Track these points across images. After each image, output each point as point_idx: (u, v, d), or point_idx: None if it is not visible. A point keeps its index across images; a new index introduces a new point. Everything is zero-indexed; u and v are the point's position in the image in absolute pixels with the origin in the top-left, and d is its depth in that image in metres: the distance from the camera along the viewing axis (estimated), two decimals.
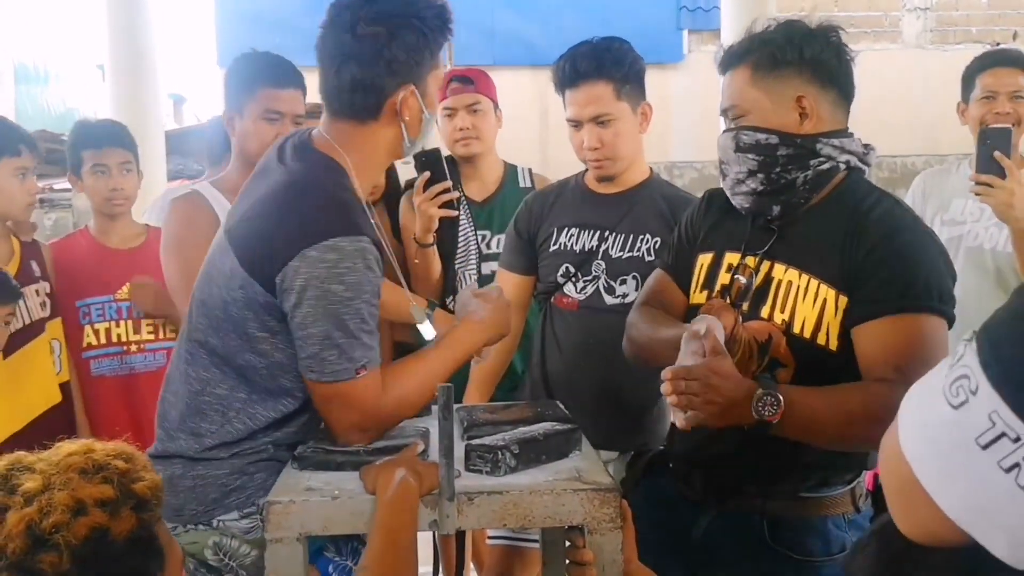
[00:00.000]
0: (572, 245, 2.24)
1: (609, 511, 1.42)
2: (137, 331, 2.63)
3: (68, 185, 3.20)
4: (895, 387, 1.45)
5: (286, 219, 1.53)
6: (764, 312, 1.63)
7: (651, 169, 2.29)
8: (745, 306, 1.65)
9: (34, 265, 2.48)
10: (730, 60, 1.68)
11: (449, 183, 2.49)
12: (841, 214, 1.60)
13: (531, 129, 9.71)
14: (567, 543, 1.50)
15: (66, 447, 1.08)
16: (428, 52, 1.60)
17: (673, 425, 1.89)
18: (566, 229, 2.25)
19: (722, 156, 1.67)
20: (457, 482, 1.42)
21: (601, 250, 2.21)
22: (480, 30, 9.00)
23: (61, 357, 2.53)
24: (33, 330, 2.40)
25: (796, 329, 1.59)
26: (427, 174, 2.48)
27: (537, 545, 2.26)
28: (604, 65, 2.12)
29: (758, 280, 1.64)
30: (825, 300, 1.57)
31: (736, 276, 1.67)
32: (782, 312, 1.61)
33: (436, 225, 2.50)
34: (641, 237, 2.18)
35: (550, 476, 1.49)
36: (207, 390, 1.60)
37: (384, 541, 1.36)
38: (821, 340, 1.57)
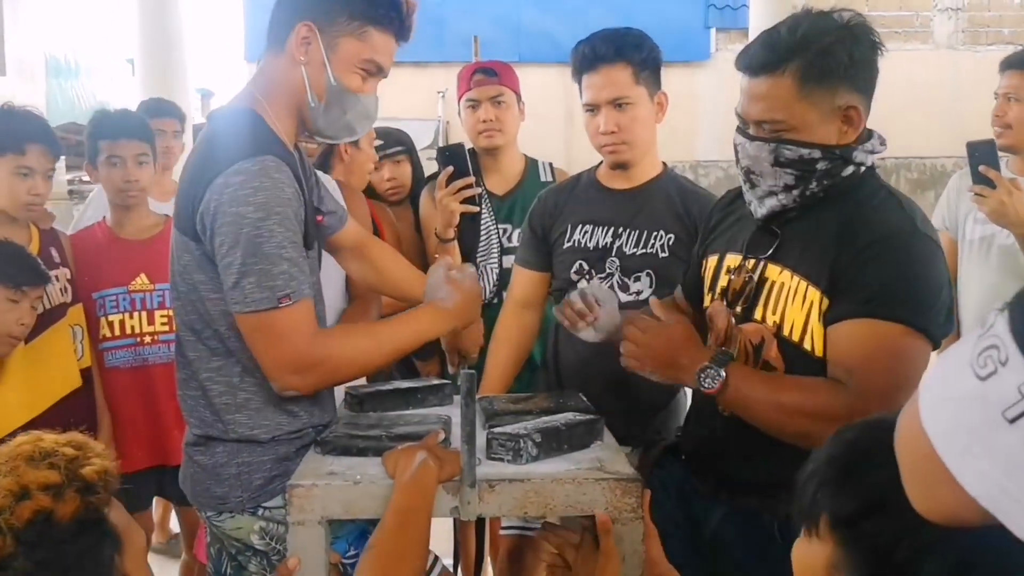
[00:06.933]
0: (586, 242, 2.21)
1: (631, 501, 1.42)
2: (151, 322, 2.61)
3: None
4: (841, 391, 1.44)
5: (198, 167, 1.56)
6: (757, 314, 1.59)
7: (664, 164, 2.26)
8: (739, 308, 1.62)
9: (53, 252, 2.47)
10: (767, 64, 1.50)
11: (472, 179, 2.48)
12: (840, 211, 1.52)
13: (556, 125, 9.71)
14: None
15: (20, 438, 1.10)
16: (347, 10, 1.59)
17: (687, 420, 1.88)
18: (580, 226, 2.23)
19: (753, 166, 1.56)
20: (478, 469, 1.42)
21: (615, 247, 2.18)
22: (506, 26, 9.02)
23: (83, 343, 2.52)
24: (54, 315, 2.40)
25: (786, 332, 1.55)
26: (450, 169, 2.49)
27: None
28: (623, 48, 2.10)
29: (754, 281, 1.60)
30: (812, 303, 1.51)
31: (731, 278, 1.64)
32: (774, 314, 1.56)
33: (457, 220, 2.51)
34: (655, 233, 2.15)
35: (572, 465, 1.48)
36: (203, 367, 1.61)
37: (395, 522, 1.36)
38: (807, 344, 1.52)
